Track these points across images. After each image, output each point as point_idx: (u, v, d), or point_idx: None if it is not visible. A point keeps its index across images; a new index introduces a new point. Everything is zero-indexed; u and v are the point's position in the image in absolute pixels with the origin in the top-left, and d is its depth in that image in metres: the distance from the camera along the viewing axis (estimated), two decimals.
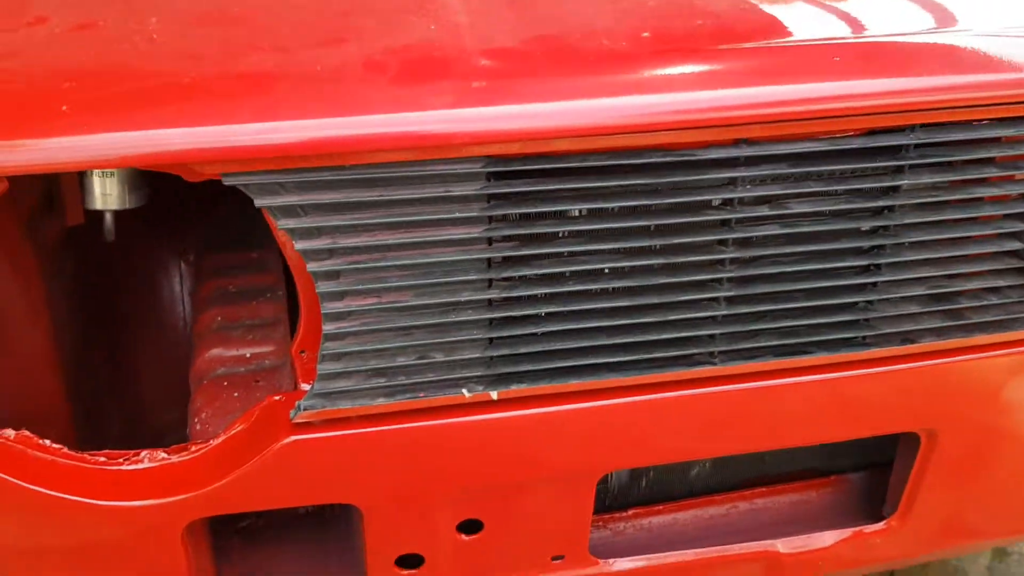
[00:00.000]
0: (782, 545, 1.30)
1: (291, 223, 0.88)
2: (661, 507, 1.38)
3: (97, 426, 1.41)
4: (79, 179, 1.13)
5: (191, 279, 1.61)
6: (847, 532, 1.33)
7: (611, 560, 1.25)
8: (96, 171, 1.12)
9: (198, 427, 1.16)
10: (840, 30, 1.02)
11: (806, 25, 1.03)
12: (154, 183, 1.18)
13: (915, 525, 1.33)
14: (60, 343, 1.23)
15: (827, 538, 1.32)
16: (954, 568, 2.15)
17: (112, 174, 1.13)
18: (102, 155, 0.78)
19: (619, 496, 1.35)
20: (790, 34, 1.00)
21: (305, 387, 1.03)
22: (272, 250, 1.48)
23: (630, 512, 1.37)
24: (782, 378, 1.10)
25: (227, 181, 0.84)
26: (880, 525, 1.33)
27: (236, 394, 1.18)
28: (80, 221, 1.18)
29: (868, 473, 1.45)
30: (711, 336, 1.06)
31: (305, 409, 0.99)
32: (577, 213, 0.99)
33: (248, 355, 1.24)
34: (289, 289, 1.38)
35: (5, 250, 1.07)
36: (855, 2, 1.09)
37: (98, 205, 1.15)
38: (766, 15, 1.04)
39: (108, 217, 1.20)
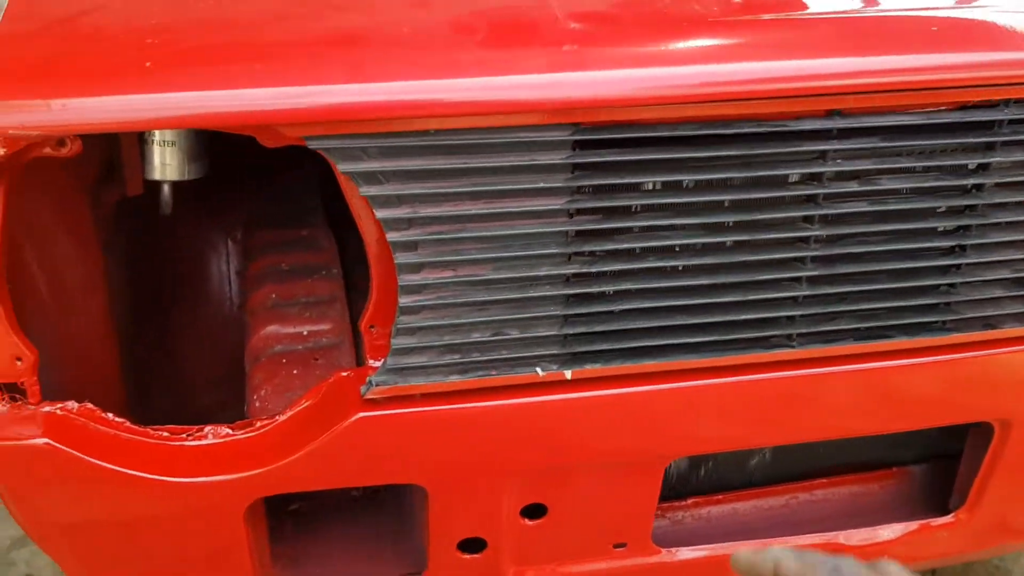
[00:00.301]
0: (847, 537, 1.27)
1: (373, 190, 0.85)
2: (720, 497, 1.35)
3: (145, 403, 1.38)
4: (140, 148, 1.11)
5: (237, 258, 1.59)
6: (913, 525, 1.30)
7: (673, 549, 1.22)
8: (156, 140, 1.10)
9: (257, 404, 1.13)
10: (937, 1, 0.98)
11: None
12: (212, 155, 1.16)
13: (983, 518, 1.29)
14: (114, 316, 1.21)
15: (893, 530, 1.29)
16: (995, 567, 2.11)
17: (172, 143, 1.10)
18: (186, 113, 0.75)
19: (677, 485, 1.32)
20: (887, 4, 0.97)
21: (374, 363, 1.00)
22: (323, 229, 1.46)
23: (689, 501, 1.34)
24: (859, 363, 1.07)
25: (311, 145, 0.81)
26: (948, 518, 1.30)
27: (295, 371, 1.16)
28: (139, 192, 1.15)
29: (930, 465, 1.41)
30: (790, 318, 1.03)
31: (377, 385, 0.96)
32: (651, 187, 0.96)
33: (305, 332, 1.22)
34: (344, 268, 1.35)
35: (68, 217, 1.05)
36: None
37: (157, 175, 1.13)
38: None
39: (166, 189, 1.18)
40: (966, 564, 2.10)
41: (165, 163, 1.11)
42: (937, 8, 0.98)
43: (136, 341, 1.37)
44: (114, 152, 1.17)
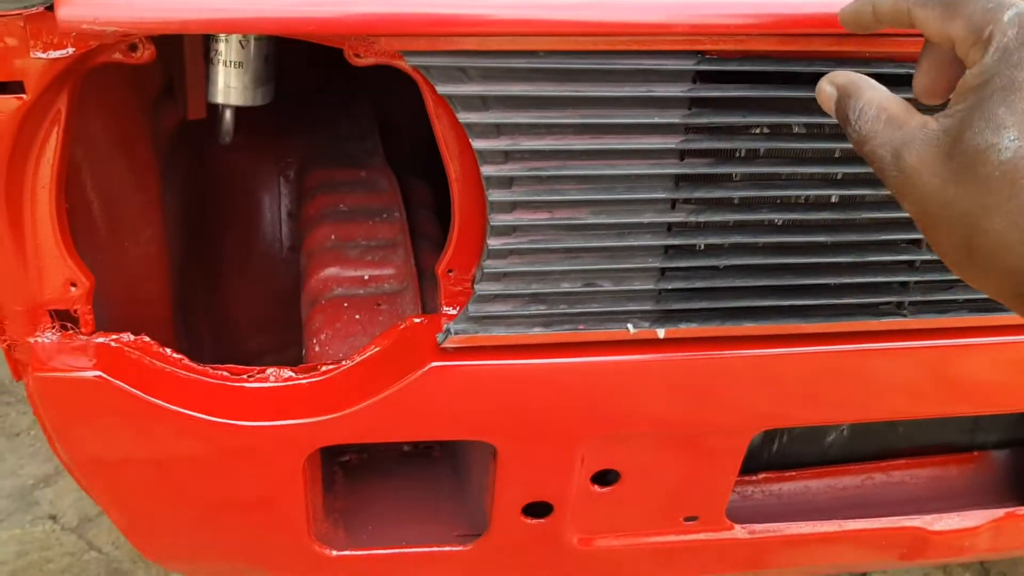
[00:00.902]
0: (929, 522, 1.19)
1: (471, 117, 0.77)
2: (793, 473, 1.27)
3: (192, 342, 1.32)
4: (205, 68, 1.03)
5: (290, 198, 1.51)
6: (999, 513, 1.22)
7: (747, 526, 1.15)
8: (222, 60, 1.02)
9: (316, 348, 1.06)
10: None
11: None
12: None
13: None
14: (167, 247, 1.14)
15: (976, 518, 1.21)
16: None
17: (239, 64, 1.03)
18: (281, 16, 0.67)
19: (749, 458, 1.25)
20: None
21: (449, 310, 0.92)
22: (383, 171, 1.38)
23: (760, 476, 1.27)
24: (972, 337, 0.99)
25: (409, 61, 0.73)
26: None
27: (357, 316, 1.09)
28: (201, 115, 1.07)
29: (1013, 452, 1.34)
30: (904, 284, 0.95)
31: (456, 333, 0.89)
32: (769, 131, 0.86)
33: (366, 277, 1.14)
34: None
35: (127, 138, 0.97)
36: None
37: (220, 98, 1.05)
38: None
39: (228, 115, 1.10)
40: (1014, 561, 2.03)
41: (230, 85, 1.04)
42: None
43: (184, 278, 1.31)
44: (176, 72, 1.09)
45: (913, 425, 1.29)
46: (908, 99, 0.69)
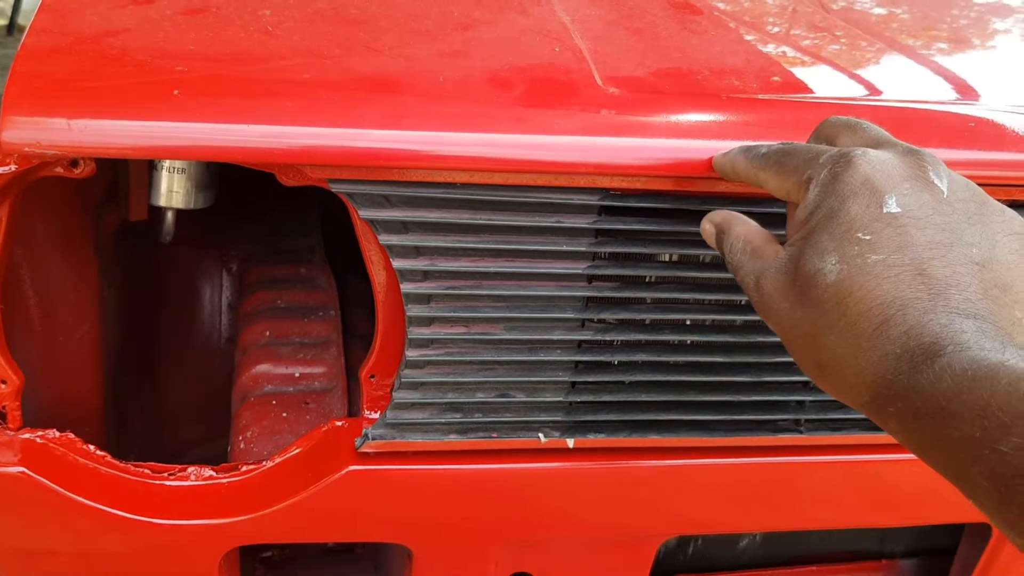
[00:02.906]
0: None
1: (393, 239, 0.83)
2: None
3: (124, 432, 1.34)
4: (148, 173, 1.08)
5: (231, 290, 1.55)
6: None
7: None
8: (165, 167, 1.07)
9: (242, 446, 1.09)
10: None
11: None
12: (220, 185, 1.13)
13: None
14: (103, 341, 1.17)
15: None
16: None
17: (182, 171, 1.08)
18: (211, 145, 0.73)
19: (664, 562, 1.28)
20: (905, 95, 0.96)
21: (371, 415, 0.96)
22: (322, 268, 1.43)
23: None
24: (869, 453, 1.05)
25: (334, 188, 0.79)
26: None
27: (285, 414, 1.12)
28: (143, 217, 1.12)
29: (921, 560, 1.39)
30: (800, 403, 1.01)
31: (373, 439, 0.93)
32: (671, 258, 0.94)
33: (297, 375, 1.18)
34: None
35: (68, 238, 1.01)
36: None
37: (162, 202, 1.09)
38: (875, 72, 1.01)
39: (169, 216, 1.15)
40: None
41: (172, 190, 1.08)
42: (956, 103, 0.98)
43: (120, 368, 1.33)
44: (119, 175, 1.14)
45: (825, 532, 1.33)
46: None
